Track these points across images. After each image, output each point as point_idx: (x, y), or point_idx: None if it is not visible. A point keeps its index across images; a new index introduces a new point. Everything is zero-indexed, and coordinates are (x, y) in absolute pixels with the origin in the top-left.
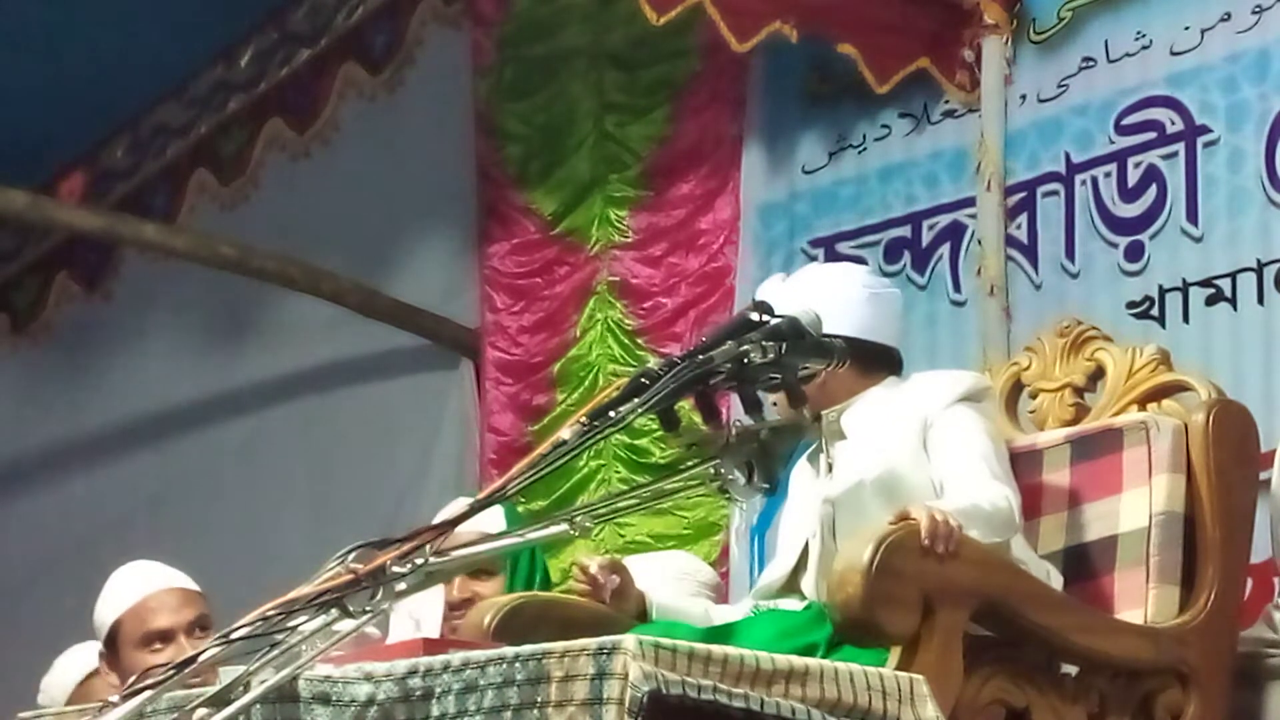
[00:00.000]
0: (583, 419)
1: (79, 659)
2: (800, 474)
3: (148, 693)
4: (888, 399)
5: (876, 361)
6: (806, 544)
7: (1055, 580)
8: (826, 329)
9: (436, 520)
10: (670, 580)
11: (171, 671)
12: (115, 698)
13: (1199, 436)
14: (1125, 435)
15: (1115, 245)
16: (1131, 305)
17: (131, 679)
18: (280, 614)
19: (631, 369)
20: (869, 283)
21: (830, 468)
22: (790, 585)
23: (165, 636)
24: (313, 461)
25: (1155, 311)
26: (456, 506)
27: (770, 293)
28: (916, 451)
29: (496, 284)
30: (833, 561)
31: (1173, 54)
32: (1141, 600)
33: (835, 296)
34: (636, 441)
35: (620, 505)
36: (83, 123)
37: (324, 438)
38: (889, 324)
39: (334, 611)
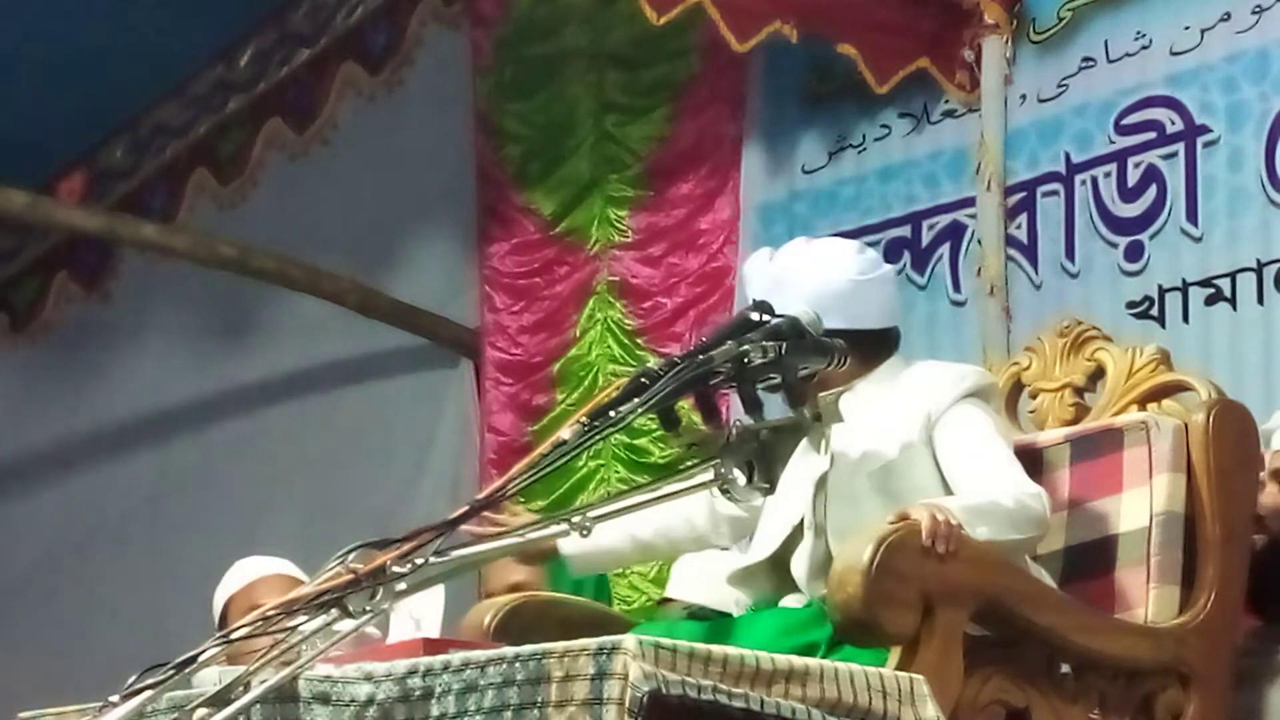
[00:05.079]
0: (583, 419)
1: (253, 564)
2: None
3: (148, 693)
4: (890, 385)
5: (874, 346)
6: (800, 525)
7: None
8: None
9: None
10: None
11: (171, 671)
12: (115, 698)
13: (1199, 436)
14: (1125, 435)
15: (1115, 245)
16: (1131, 305)
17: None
18: (280, 614)
19: (631, 369)
20: (859, 269)
21: (824, 448)
22: (775, 567)
23: None
24: (312, 461)
25: (1155, 311)
26: None
27: (756, 270)
28: (917, 446)
29: (496, 284)
30: (822, 549)
31: (1173, 54)
32: (1142, 600)
33: (825, 289)
34: (636, 441)
35: (620, 505)
36: (82, 123)
37: (323, 437)
38: (882, 307)
39: (334, 611)
